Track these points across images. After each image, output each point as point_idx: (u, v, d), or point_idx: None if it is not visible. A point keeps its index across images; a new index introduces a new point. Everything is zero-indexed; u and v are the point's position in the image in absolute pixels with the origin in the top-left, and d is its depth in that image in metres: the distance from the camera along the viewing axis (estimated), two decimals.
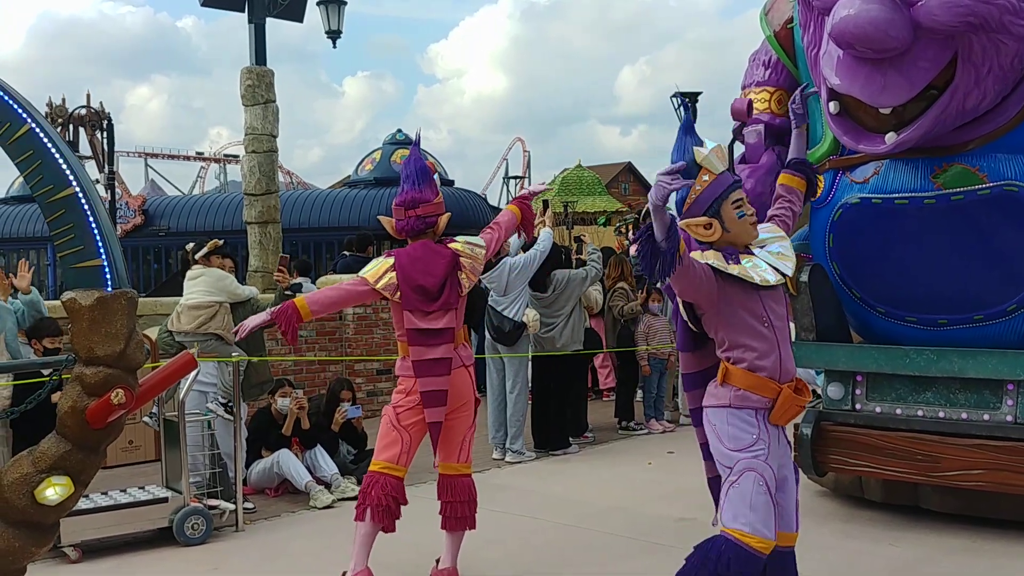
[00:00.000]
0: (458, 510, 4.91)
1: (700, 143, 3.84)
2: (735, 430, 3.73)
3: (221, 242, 6.81)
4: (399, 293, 4.70)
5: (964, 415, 5.35)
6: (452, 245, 4.83)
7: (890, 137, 4.91)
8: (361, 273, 4.83)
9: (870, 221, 5.38)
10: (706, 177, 3.76)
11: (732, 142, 6.63)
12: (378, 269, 4.76)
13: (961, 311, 5.38)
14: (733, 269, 3.71)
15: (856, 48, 4.66)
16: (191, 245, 6.86)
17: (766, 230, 3.98)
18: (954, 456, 5.26)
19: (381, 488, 4.69)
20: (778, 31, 5.99)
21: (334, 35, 13.25)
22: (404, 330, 4.75)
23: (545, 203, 10.13)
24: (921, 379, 5.47)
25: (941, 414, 5.42)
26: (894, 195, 5.27)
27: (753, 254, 3.83)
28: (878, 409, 5.60)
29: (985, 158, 5.11)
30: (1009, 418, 5.21)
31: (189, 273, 6.72)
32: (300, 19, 12.25)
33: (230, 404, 6.51)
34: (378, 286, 4.71)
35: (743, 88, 6.41)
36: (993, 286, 5.23)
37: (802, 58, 5.65)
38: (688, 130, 3.98)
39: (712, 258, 3.73)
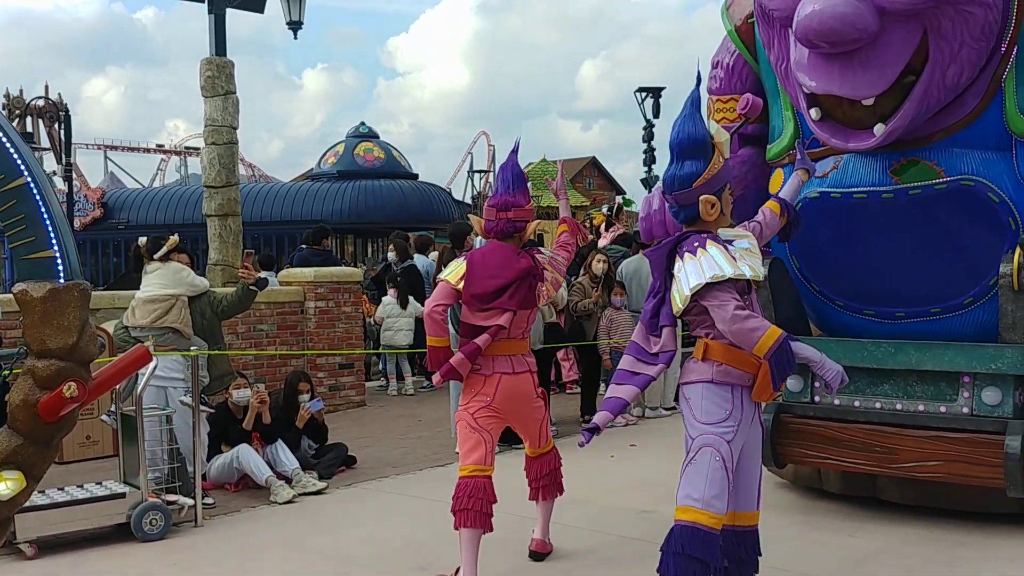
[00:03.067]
0: (548, 480, 5.31)
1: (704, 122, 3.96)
2: (709, 404, 3.77)
3: (178, 239, 6.74)
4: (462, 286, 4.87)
5: (921, 407, 5.40)
6: (539, 256, 4.98)
7: (879, 128, 4.89)
8: (441, 276, 5.02)
9: (829, 215, 5.42)
10: (720, 159, 3.86)
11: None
12: (458, 271, 4.89)
13: (919, 304, 5.44)
14: (747, 273, 3.77)
15: (824, 45, 4.67)
16: (143, 240, 6.77)
17: (731, 230, 4.04)
18: (911, 448, 5.31)
19: (474, 492, 4.76)
20: (739, 26, 6.00)
21: (295, 26, 13.12)
22: (463, 327, 4.92)
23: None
24: (879, 372, 5.52)
25: (899, 406, 5.47)
26: (853, 189, 5.30)
27: (731, 244, 3.87)
28: (837, 401, 5.65)
29: (943, 153, 5.15)
30: (965, 410, 5.27)
31: (147, 267, 6.63)
32: (261, 10, 12.13)
33: (203, 396, 6.47)
34: (459, 286, 4.85)
35: (709, 93, 6.43)
36: (950, 280, 5.29)
37: (763, 53, 5.67)
38: (696, 104, 4.00)
39: (727, 264, 3.72)
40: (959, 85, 4.96)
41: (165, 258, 6.61)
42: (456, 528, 4.78)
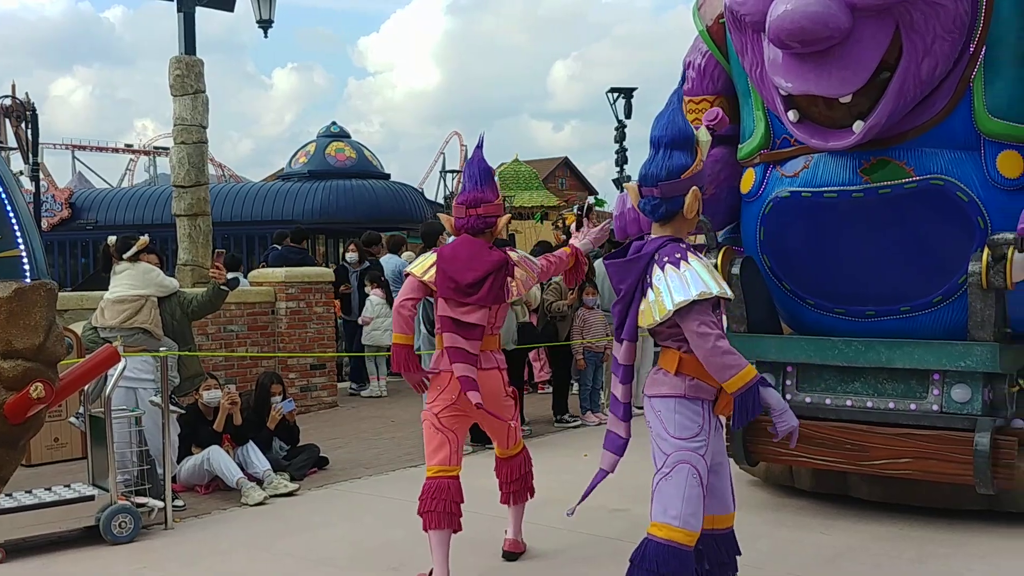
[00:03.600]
0: (518, 485, 5.27)
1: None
2: (683, 419, 3.70)
3: (148, 240, 6.67)
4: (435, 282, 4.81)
5: (891, 405, 5.44)
6: (511, 253, 4.96)
7: (858, 126, 4.91)
8: (408, 269, 4.96)
9: (800, 215, 5.45)
10: (704, 157, 3.81)
11: None
12: (424, 263, 4.84)
13: (889, 303, 5.47)
14: (729, 292, 3.73)
15: (797, 44, 4.69)
16: (112, 239, 6.70)
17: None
18: (882, 445, 5.35)
19: (439, 493, 4.73)
20: (711, 26, 6.01)
21: (265, 24, 13.03)
22: (441, 320, 4.82)
23: None
24: (850, 370, 5.56)
25: (869, 404, 5.51)
26: (823, 189, 5.33)
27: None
28: (808, 399, 5.68)
29: (912, 152, 5.19)
30: (935, 407, 5.31)
31: (116, 268, 6.56)
32: (231, 8, 12.03)
33: (173, 396, 6.41)
34: (425, 278, 4.78)
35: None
36: (919, 278, 5.32)
37: (735, 55, 5.68)
38: (682, 100, 3.95)
39: (712, 281, 3.62)
40: (934, 78, 4.98)
41: (134, 258, 6.54)
42: (424, 530, 4.76)
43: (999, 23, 5.08)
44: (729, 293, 3.70)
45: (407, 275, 4.93)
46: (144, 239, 6.62)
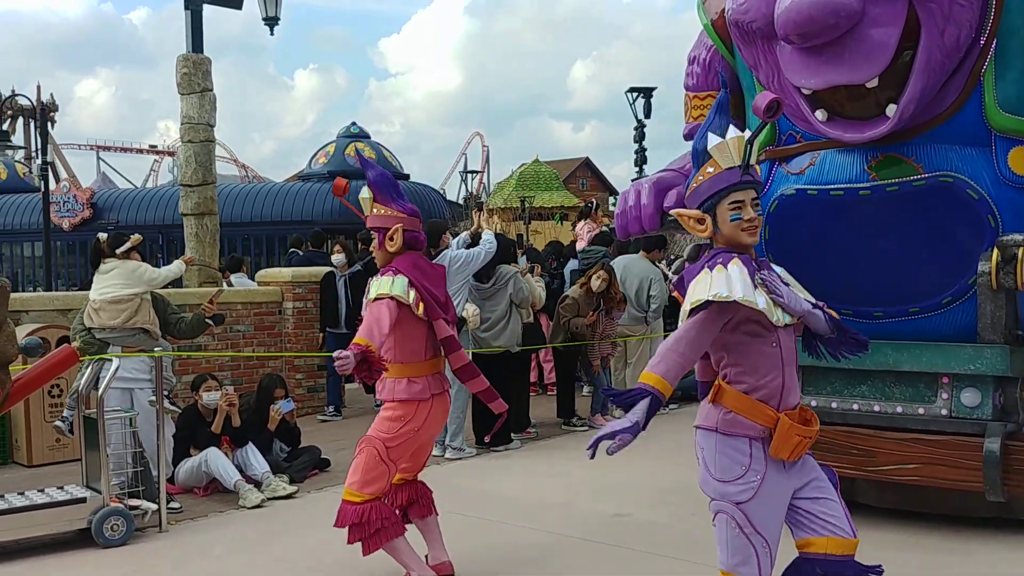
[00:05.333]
0: (417, 498, 4.97)
1: (725, 127, 3.45)
2: (724, 459, 3.35)
3: (140, 238, 6.60)
4: (422, 306, 4.60)
5: (899, 409, 5.29)
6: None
7: (891, 109, 4.74)
8: (386, 293, 4.51)
9: (806, 212, 5.30)
10: (711, 169, 3.43)
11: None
12: (402, 286, 4.55)
13: (897, 303, 5.32)
14: (760, 304, 3.30)
15: (810, 36, 4.56)
16: (104, 235, 6.63)
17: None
18: (889, 450, 5.20)
19: (371, 514, 4.56)
20: (715, 20, 5.87)
21: (271, 22, 12.97)
22: (423, 344, 4.64)
23: (480, 205, 10.04)
24: (856, 372, 5.41)
25: (876, 408, 5.36)
26: (830, 186, 5.19)
27: (774, 270, 3.50)
28: (814, 403, 5.52)
29: (921, 148, 5.05)
30: (944, 412, 5.16)
31: (103, 267, 6.48)
32: (238, 6, 11.96)
33: (170, 397, 6.35)
34: (410, 300, 4.56)
35: (686, 90, 6.32)
36: (928, 279, 5.17)
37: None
38: (720, 109, 3.50)
39: (739, 285, 3.27)
40: (960, 46, 4.79)
41: (125, 255, 6.47)
42: (373, 551, 4.62)
43: (1010, 15, 4.93)
44: (760, 305, 3.30)
45: (387, 297, 4.53)
46: (137, 236, 6.56)
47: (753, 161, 3.45)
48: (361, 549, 4.61)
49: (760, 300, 3.30)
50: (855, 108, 4.83)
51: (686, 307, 3.37)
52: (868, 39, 4.57)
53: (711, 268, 3.35)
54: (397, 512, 4.70)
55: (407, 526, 4.81)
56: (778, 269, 3.61)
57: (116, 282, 6.39)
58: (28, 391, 2.73)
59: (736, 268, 3.32)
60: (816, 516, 3.44)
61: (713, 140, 3.43)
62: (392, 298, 4.50)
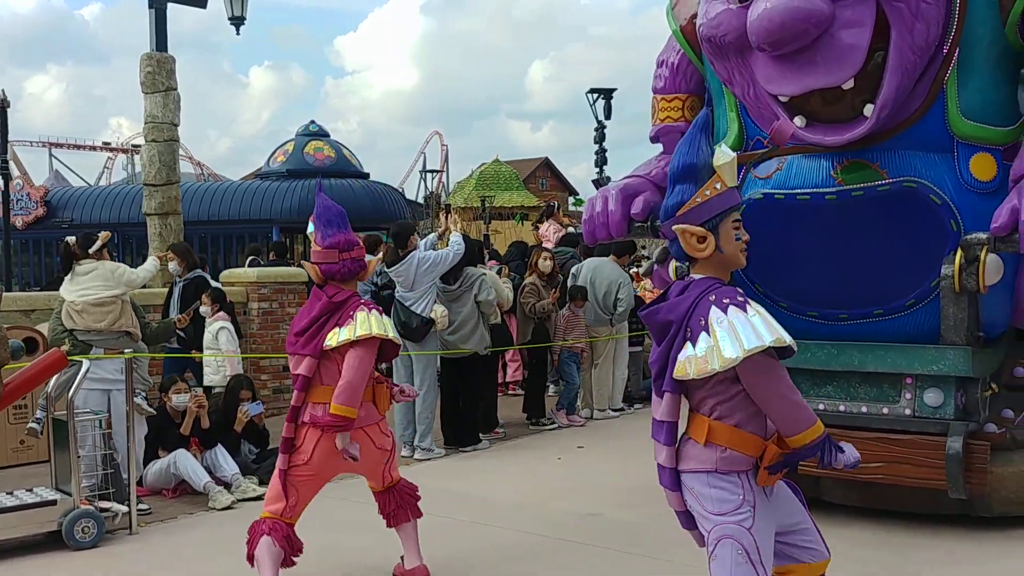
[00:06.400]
0: (397, 504, 4.92)
1: (709, 147, 3.36)
2: (719, 492, 3.27)
3: (109, 234, 6.57)
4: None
5: (864, 409, 5.41)
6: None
7: (868, 109, 4.85)
8: (369, 333, 4.47)
9: (773, 216, 5.39)
10: (718, 185, 3.30)
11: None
12: (382, 322, 4.56)
13: (862, 306, 5.43)
14: (786, 340, 3.18)
15: (783, 43, 4.65)
16: (73, 239, 6.58)
17: None
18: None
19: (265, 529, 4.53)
20: (684, 26, 5.96)
21: (237, 22, 12.91)
22: (361, 378, 4.49)
23: (447, 207, 10.10)
24: (822, 373, 5.52)
25: (842, 408, 5.48)
26: (796, 191, 5.29)
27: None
28: None
29: (886, 154, 5.15)
30: (907, 411, 5.28)
31: (79, 268, 6.43)
32: (203, 5, 11.88)
33: (146, 398, 6.32)
34: (391, 336, 4.59)
35: (654, 92, 6.40)
36: (892, 282, 5.29)
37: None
38: (704, 128, 3.39)
39: (764, 329, 3.14)
40: (929, 44, 4.91)
41: (99, 254, 6.43)
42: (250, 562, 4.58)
43: (973, 25, 5.06)
44: (794, 345, 3.23)
45: (371, 338, 4.48)
46: (106, 233, 6.53)
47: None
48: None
49: (784, 334, 3.19)
50: (832, 112, 4.93)
51: (734, 355, 3.11)
52: (840, 42, 4.68)
53: (742, 308, 3.17)
54: (282, 546, 4.58)
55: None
56: None
57: (96, 283, 6.36)
58: (20, 394, 2.73)
59: (761, 308, 3.23)
60: (798, 547, 3.44)
61: (723, 156, 3.30)
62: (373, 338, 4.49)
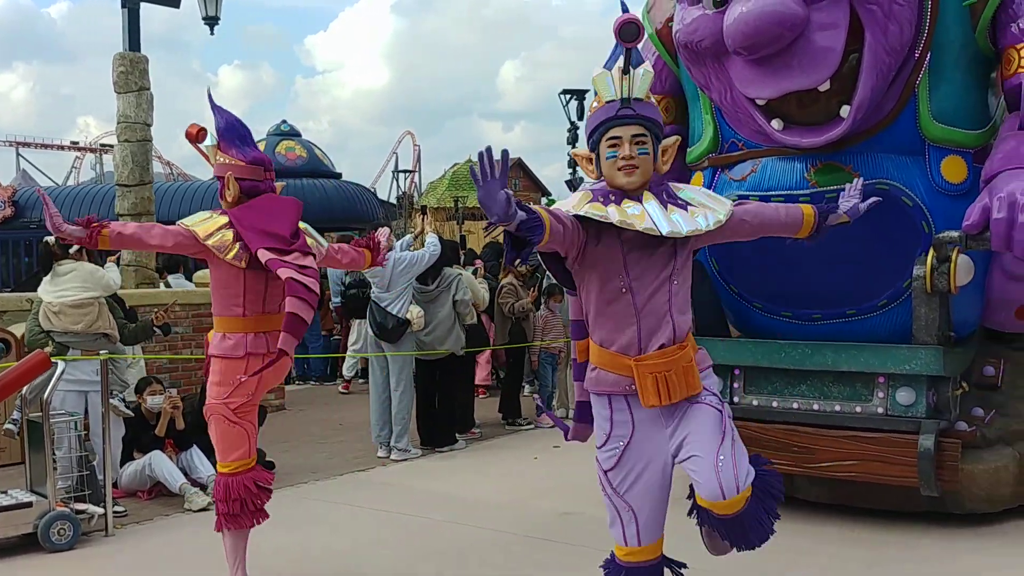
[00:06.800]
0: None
1: (631, 63, 3.25)
2: (598, 420, 3.33)
3: None
4: (234, 252, 4.28)
5: (838, 407, 5.47)
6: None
7: (845, 110, 4.90)
8: (187, 224, 4.31)
9: None
10: (595, 103, 3.30)
11: None
12: (211, 225, 4.31)
13: (835, 306, 5.51)
14: (610, 214, 3.13)
15: (759, 46, 4.70)
16: (52, 239, 6.54)
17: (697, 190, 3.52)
18: (828, 447, 5.36)
19: (241, 491, 4.47)
20: (660, 29, 5.99)
21: (211, 21, 12.85)
22: (240, 298, 4.37)
23: (424, 208, 10.16)
24: (796, 373, 5.58)
25: (816, 407, 5.54)
26: (770, 192, 5.33)
27: (641, 202, 3.24)
28: (755, 402, 5.70)
29: (858, 157, 5.21)
30: (880, 410, 5.35)
31: (60, 268, 6.39)
32: (176, 4, 11.82)
33: (123, 398, 6.27)
34: (209, 242, 4.26)
35: None
36: (865, 282, 5.36)
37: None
38: (632, 55, 3.30)
39: (584, 205, 3.19)
40: (903, 44, 4.97)
41: (79, 255, 6.40)
42: (218, 530, 4.53)
43: (944, 30, 5.13)
44: (597, 213, 3.19)
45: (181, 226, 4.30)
46: None
47: (639, 95, 3.28)
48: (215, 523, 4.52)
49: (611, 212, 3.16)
50: (809, 114, 4.99)
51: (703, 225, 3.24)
52: (816, 44, 4.73)
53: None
54: (263, 501, 4.55)
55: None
56: (691, 191, 3.47)
57: (75, 284, 6.33)
58: (2, 397, 2.72)
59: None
60: (691, 476, 3.31)
61: (596, 71, 3.27)
62: (187, 228, 4.27)
